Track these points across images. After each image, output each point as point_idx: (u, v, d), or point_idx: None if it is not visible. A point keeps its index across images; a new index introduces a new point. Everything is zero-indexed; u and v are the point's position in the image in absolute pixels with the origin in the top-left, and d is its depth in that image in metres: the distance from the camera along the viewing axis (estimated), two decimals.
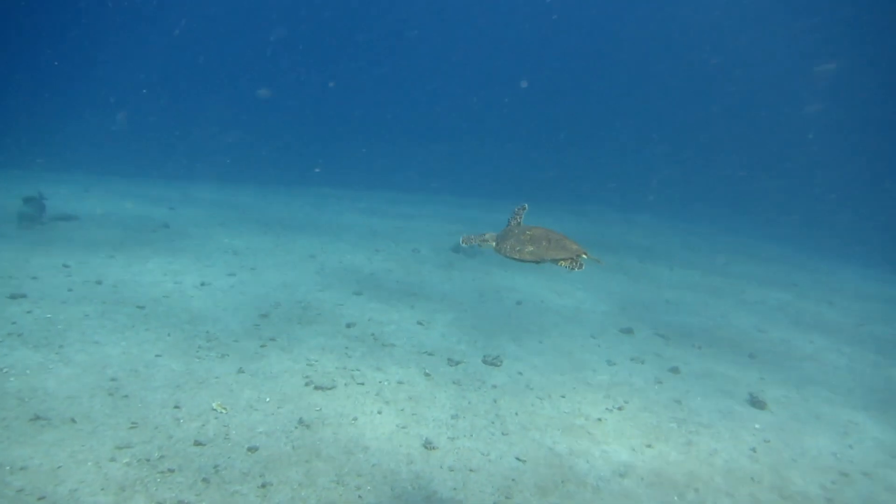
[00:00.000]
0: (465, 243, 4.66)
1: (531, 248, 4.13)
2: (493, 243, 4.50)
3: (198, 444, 4.95)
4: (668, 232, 19.33)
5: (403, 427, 5.63)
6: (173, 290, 8.55)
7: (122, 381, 5.80)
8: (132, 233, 11.90)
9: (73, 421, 5.04)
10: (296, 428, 5.39)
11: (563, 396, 6.64)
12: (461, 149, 37.10)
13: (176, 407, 5.45)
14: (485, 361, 7.27)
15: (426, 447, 5.35)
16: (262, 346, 6.96)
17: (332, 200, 19.37)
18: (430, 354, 7.32)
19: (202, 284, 8.91)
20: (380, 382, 6.45)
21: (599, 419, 6.23)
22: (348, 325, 7.90)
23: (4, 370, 5.68)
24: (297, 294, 8.97)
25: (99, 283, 8.46)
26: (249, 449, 4.97)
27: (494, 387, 6.68)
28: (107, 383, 5.72)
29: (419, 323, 8.31)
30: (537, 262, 4.14)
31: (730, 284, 12.98)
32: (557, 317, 9.32)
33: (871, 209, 27.90)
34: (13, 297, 7.51)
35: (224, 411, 5.51)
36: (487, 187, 26.99)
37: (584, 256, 4.12)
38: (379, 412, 5.85)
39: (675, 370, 7.71)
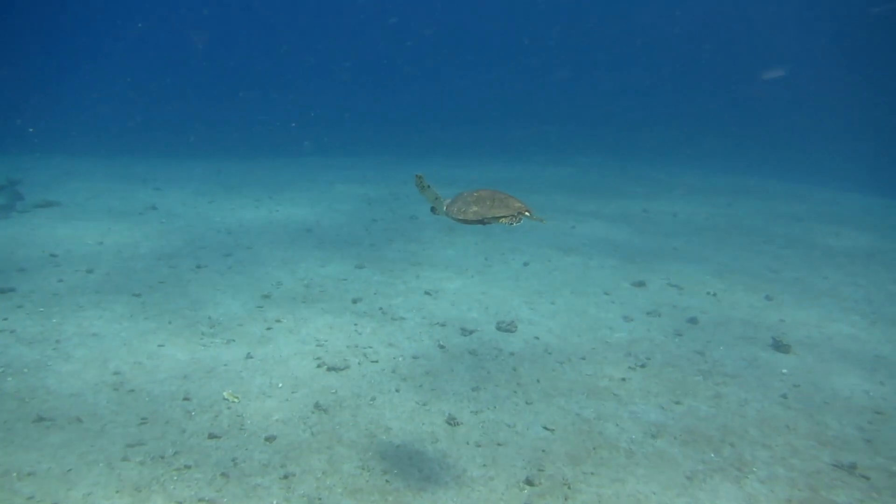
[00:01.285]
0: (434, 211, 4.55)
1: (475, 209, 4.13)
2: (443, 207, 4.42)
3: (213, 436, 4.73)
4: (663, 178, 19.04)
5: (424, 404, 5.42)
6: (168, 274, 8.23)
7: (127, 374, 5.54)
8: (119, 216, 11.49)
9: (80, 420, 4.79)
10: (313, 413, 5.17)
11: (584, 358, 6.44)
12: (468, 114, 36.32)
13: (186, 399, 5.21)
14: (499, 328, 7.04)
15: (450, 423, 5.15)
16: (268, 329, 6.69)
17: (321, 170, 18.87)
18: (442, 325, 7.08)
19: (198, 267, 8.58)
20: (394, 359, 6.21)
21: (623, 379, 6.04)
22: (354, 301, 7.63)
23: (0, 370, 5.40)
24: (297, 272, 8.66)
25: (90, 272, 8.13)
26: (267, 439, 4.75)
27: (512, 354, 6.47)
28: (110, 378, 5.46)
29: (427, 293, 8.05)
30: (481, 222, 4.13)
31: (735, 226, 12.76)
32: (566, 275, 9.08)
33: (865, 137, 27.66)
34: (1, 291, 7.18)
35: (236, 400, 5.27)
36: (478, 148, 26.47)
37: (526, 214, 4.14)
38: (397, 390, 5.63)
39: (693, 321, 7.52)
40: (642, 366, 6.33)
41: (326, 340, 6.51)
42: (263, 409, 5.17)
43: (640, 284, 8.74)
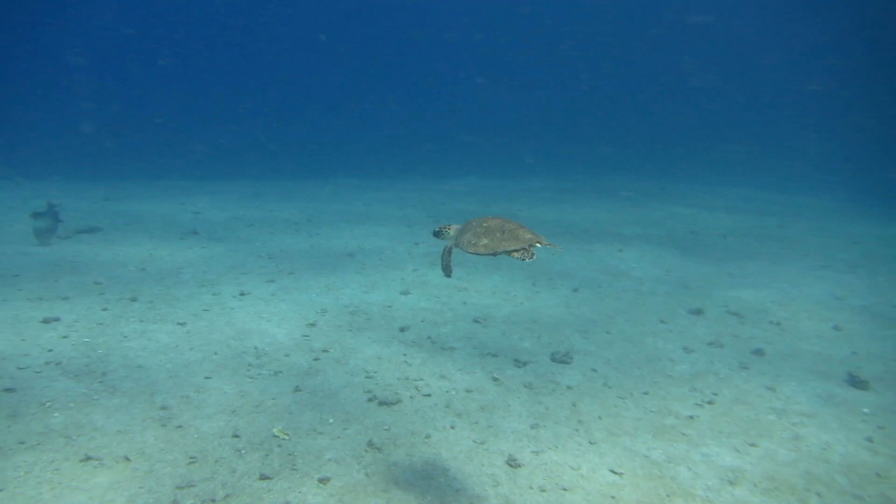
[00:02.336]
0: (437, 236, 4.52)
1: (486, 241, 4.02)
2: (453, 239, 4.34)
3: (264, 477, 4.50)
4: (705, 195, 18.54)
5: (482, 443, 5.12)
6: (212, 302, 8.12)
7: (174, 409, 5.37)
8: (160, 242, 11.50)
9: (127, 459, 4.61)
10: (366, 452, 4.92)
11: (646, 393, 6.08)
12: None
13: (235, 436, 5.00)
14: (554, 359, 6.73)
15: (510, 464, 4.84)
16: (315, 360, 6.49)
17: (357, 191, 18.84)
18: (495, 356, 6.79)
19: (241, 294, 8.46)
20: (447, 392, 5.94)
21: (691, 417, 5.66)
22: (402, 329, 7.40)
23: (47, 405, 5.28)
24: (341, 298, 8.48)
25: (134, 300, 8.06)
26: (321, 480, 4.51)
27: (570, 388, 6.14)
28: (157, 413, 5.29)
29: (476, 321, 7.78)
30: (493, 255, 4.00)
31: (790, 248, 12.24)
32: (619, 302, 8.72)
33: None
34: (46, 321, 7.12)
35: (287, 437, 5.05)
36: (507, 166, 26.29)
37: (537, 245, 3.98)
38: (452, 427, 5.35)
39: (759, 352, 7.10)
40: (710, 402, 5.94)
41: (376, 372, 6.28)
42: (315, 447, 4.94)
43: (698, 312, 8.33)
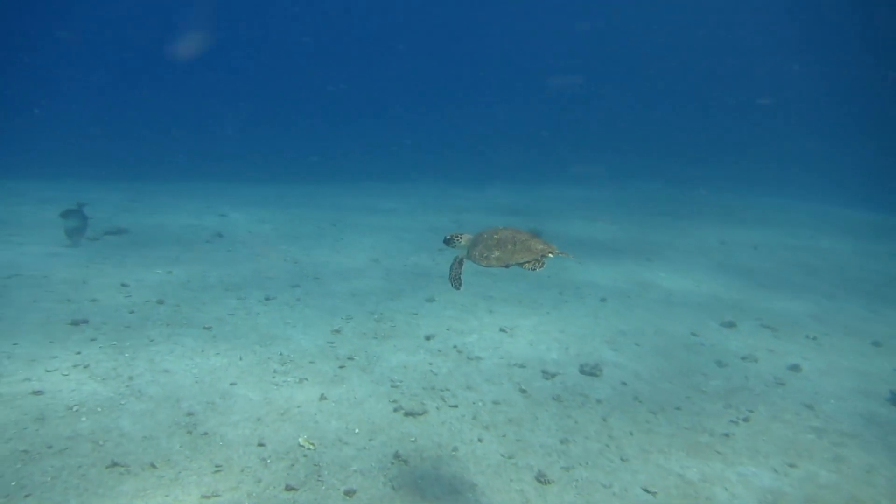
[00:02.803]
0: (448, 244, 4.42)
1: (498, 254, 4.01)
2: (464, 250, 4.29)
3: (290, 488, 4.43)
4: (735, 203, 18.19)
5: (510, 457, 5.00)
6: (237, 306, 8.11)
7: (199, 415, 5.33)
8: (186, 245, 11.58)
9: (154, 466, 4.58)
10: (392, 464, 4.82)
11: (679, 409, 5.90)
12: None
13: (260, 444, 4.94)
14: (582, 371, 6.58)
15: (540, 481, 4.71)
16: (340, 368, 6.42)
17: (380, 196, 18.84)
18: (522, 367, 6.66)
19: (266, 299, 8.44)
20: (474, 403, 5.83)
21: (726, 434, 5.48)
22: (427, 338, 7.31)
23: (75, 408, 5.28)
24: (366, 304, 8.42)
25: (160, 302, 8.08)
26: (346, 493, 4.42)
27: (599, 402, 5.99)
28: (183, 419, 5.25)
29: (502, 330, 7.66)
30: (506, 267, 3.99)
31: (825, 260, 11.91)
32: (648, 313, 8.53)
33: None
34: (75, 323, 7.16)
35: (312, 447, 4.98)
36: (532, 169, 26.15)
37: (550, 255, 3.95)
38: (479, 440, 5.23)
39: (795, 368, 6.87)
40: (745, 419, 5.75)
41: (401, 381, 6.19)
42: (341, 457, 4.86)
43: (730, 325, 8.11)
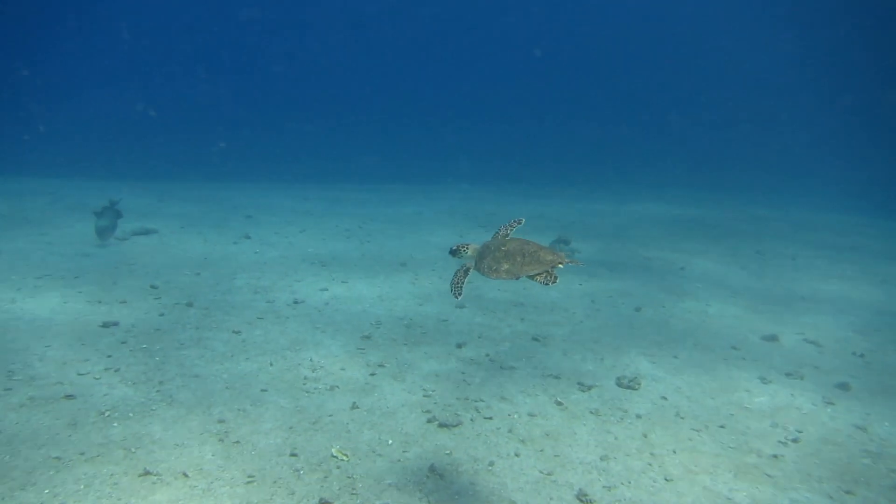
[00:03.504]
0: (454, 255, 4.33)
1: (507, 266, 3.95)
2: (472, 262, 4.21)
3: (324, 502, 4.30)
4: (773, 216, 17.79)
5: (549, 474, 4.82)
6: (266, 310, 8.03)
7: (231, 423, 5.23)
8: (213, 246, 11.57)
9: (186, 475, 4.48)
10: (427, 478, 4.67)
11: (723, 427, 5.67)
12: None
13: (293, 455, 4.82)
14: (620, 384, 6.37)
15: (581, 500, 4.52)
16: (371, 375, 6.30)
17: (406, 199, 18.75)
18: (556, 378, 6.47)
19: (295, 302, 8.36)
20: (509, 416, 5.66)
21: (775, 456, 5.23)
22: (459, 346, 7.15)
23: (106, 413, 5.21)
24: (396, 310, 8.29)
25: (190, 305, 8.04)
26: None
27: (639, 417, 5.77)
28: (215, 426, 5.16)
29: (535, 339, 7.48)
30: (515, 279, 3.93)
31: (869, 273, 11.52)
32: (685, 323, 8.29)
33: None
34: (105, 325, 7.13)
35: (346, 458, 4.85)
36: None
37: (560, 266, 3.89)
38: (516, 454, 5.06)
39: (843, 386, 6.59)
40: (794, 440, 5.50)
41: (434, 390, 6.04)
42: (375, 470, 4.72)
43: (772, 339, 7.83)
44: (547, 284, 3.85)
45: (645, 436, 5.45)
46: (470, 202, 19.16)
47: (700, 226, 16.14)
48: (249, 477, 4.53)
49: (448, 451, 5.04)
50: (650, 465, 5.03)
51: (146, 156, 25.68)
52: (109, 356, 6.33)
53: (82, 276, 8.97)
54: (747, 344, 7.66)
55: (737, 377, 6.71)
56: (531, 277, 3.87)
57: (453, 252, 4.29)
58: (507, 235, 4.23)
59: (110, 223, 11.44)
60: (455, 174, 25.81)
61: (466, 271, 4.19)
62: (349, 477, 4.62)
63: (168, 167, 24.22)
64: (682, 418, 5.79)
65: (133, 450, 4.73)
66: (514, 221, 4.35)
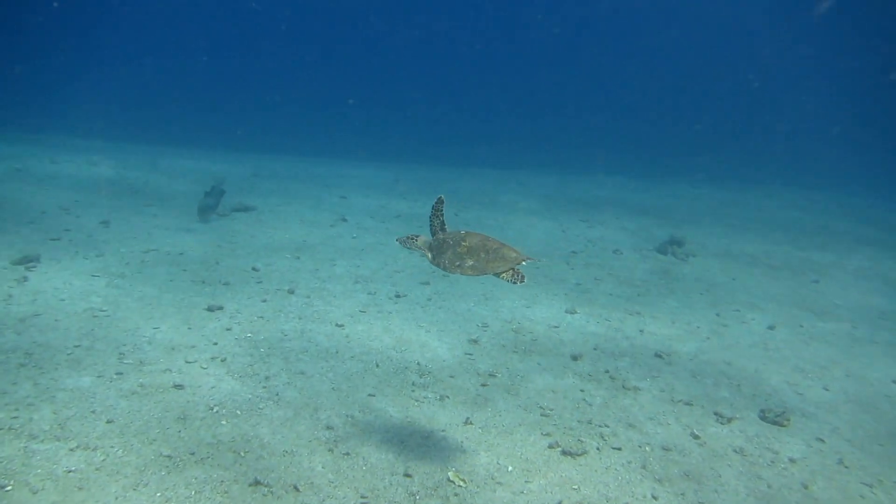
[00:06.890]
0: (403, 245, 4.44)
1: (471, 262, 3.98)
2: (428, 254, 4.27)
3: None
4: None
5: None
6: (368, 302, 7.72)
7: (339, 430, 4.90)
8: (311, 228, 11.43)
9: (297, 489, 4.17)
10: None
11: None
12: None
13: (406, 475, 4.43)
14: (764, 418, 5.61)
15: None
16: (482, 386, 5.83)
17: (500, 185, 18.11)
18: (688, 404, 5.78)
19: (397, 296, 8.01)
20: (640, 447, 5.04)
21: None
22: (574, 358, 6.56)
23: (215, 409, 5.00)
24: (501, 311, 7.78)
25: (291, 292, 7.83)
26: None
27: (793, 461, 5.02)
28: (323, 433, 4.84)
29: (657, 355, 6.78)
30: (481, 276, 3.98)
31: None
32: (830, 348, 7.33)
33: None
34: (211, 309, 7.01)
35: (463, 484, 4.40)
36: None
37: (523, 263, 3.93)
38: (654, 497, 4.46)
39: None
40: None
41: (552, 409, 5.50)
42: (494, 500, 4.26)
43: None
44: (515, 283, 3.86)
45: (805, 487, 4.71)
46: (566, 187, 18.37)
47: (814, 225, 14.67)
48: (363, 497, 4.17)
49: (576, 486, 4.50)
50: None
51: (236, 127, 26.24)
52: (216, 344, 6.17)
53: (186, 254, 8.97)
54: None
55: None
56: (497, 275, 3.88)
57: (402, 242, 4.37)
58: (443, 223, 4.30)
59: (214, 202, 11.55)
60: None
61: (422, 255, 4.29)
62: None
63: (262, 140, 24.70)
64: (848, 468, 4.99)
65: (242, 453, 4.48)
66: (438, 201, 4.39)
